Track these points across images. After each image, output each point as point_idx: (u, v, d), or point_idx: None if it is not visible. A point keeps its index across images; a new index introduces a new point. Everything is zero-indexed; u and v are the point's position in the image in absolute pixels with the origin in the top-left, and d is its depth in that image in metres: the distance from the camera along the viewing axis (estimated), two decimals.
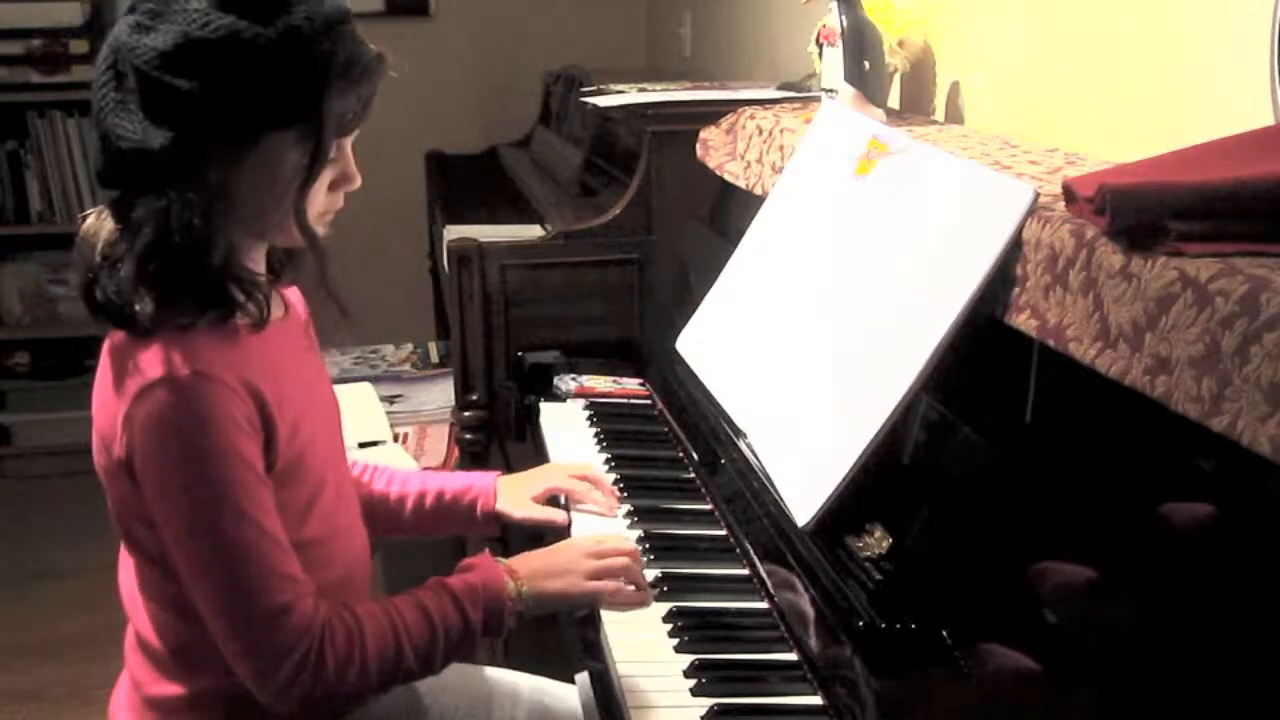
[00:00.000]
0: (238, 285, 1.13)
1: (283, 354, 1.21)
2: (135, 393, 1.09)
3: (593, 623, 1.26)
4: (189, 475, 1.08)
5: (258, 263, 1.20)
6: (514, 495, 1.48)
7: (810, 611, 1.14)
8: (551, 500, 1.50)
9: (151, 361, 1.09)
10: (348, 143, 1.17)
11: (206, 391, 1.08)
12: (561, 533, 1.44)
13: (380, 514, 1.45)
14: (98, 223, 1.15)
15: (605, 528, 1.43)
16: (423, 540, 1.55)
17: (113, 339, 1.15)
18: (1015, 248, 1.08)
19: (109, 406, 1.13)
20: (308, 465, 1.20)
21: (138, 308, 1.09)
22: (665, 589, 1.29)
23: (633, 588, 1.27)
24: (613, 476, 1.56)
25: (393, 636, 1.16)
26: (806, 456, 1.25)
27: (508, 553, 1.32)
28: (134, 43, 1.07)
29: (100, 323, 1.14)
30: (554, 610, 1.30)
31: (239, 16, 1.05)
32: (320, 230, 1.19)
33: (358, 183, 1.19)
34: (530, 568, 1.26)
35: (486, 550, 1.30)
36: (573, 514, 1.47)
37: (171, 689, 1.21)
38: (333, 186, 1.17)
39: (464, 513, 1.47)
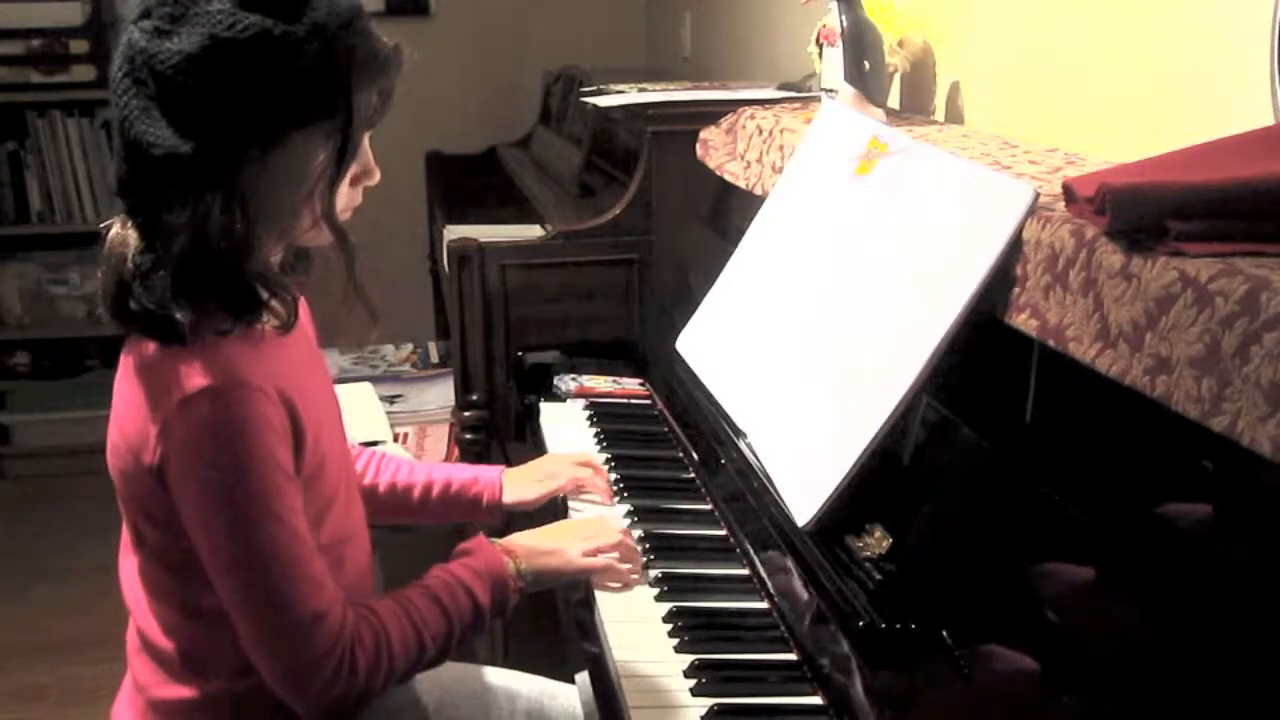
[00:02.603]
0: (267, 288, 1.13)
1: (300, 359, 1.22)
2: (175, 404, 1.08)
3: (590, 611, 1.27)
4: (231, 486, 1.09)
5: (278, 265, 1.20)
6: (521, 485, 1.52)
7: (810, 612, 1.14)
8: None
9: (189, 373, 1.09)
10: (365, 138, 1.17)
11: (246, 399, 1.08)
12: (558, 513, 1.49)
13: (386, 502, 1.48)
14: (124, 232, 1.13)
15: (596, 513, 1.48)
16: (421, 538, 1.56)
17: (140, 349, 1.14)
18: (1015, 248, 1.08)
19: (139, 416, 1.12)
20: (327, 470, 1.21)
21: (178, 316, 1.08)
22: (665, 589, 1.29)
23: (627, 565, 1.30)
24: (613, 476, 1.56)
25: (413, 631, 1.18)
26: (806, 456, 1.25)
27: (506, 535, 1.35)
28: (155, 48, 1.05)
29: (134, 333, 1.13)
30: (551, 585, 1.32)
31: (265, 15, 1.04)
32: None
33: (377, 177, 1.20)
34: (526, 546, 1.30)
35: (482, 534, 1.32)
36: (571, 503, 1.51)
37: (178, 692, 1.21)
38: (353, 182, 1.18)
39: (469, 503, 1.51)
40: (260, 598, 1.11)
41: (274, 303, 1.14)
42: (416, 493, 1.49)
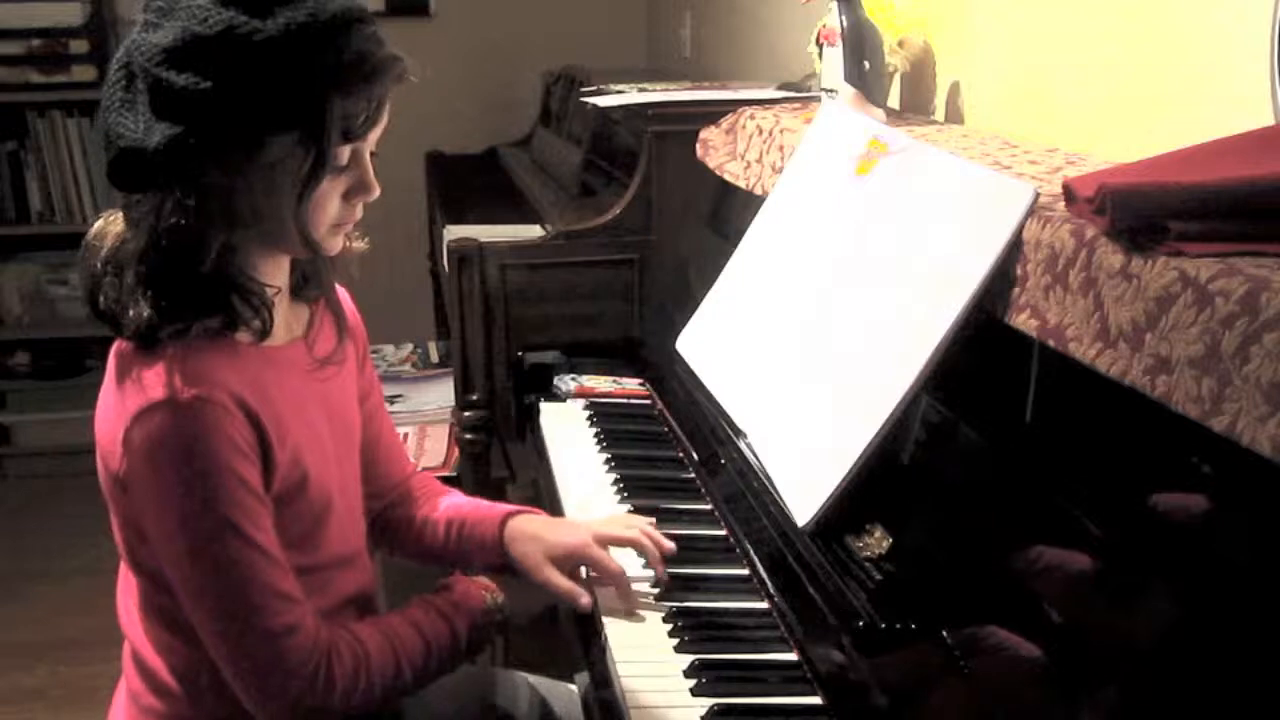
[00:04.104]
0: (239, 295, 1.10)
1: (291, 372, 1.18)
2: (134, 413, 1.07)
3: (592, 621, 1.27)
4: (188, 498, 1.07)
5: (272, 275, 1.15)
6: (534, 552, 1.31)
7: (810, 611, 1.14)
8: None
9: (152, 381, 1.07)
10: (365, 150, 1.12)
11: (203, 414, 1.06)
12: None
13: (411, 539, 1.40)
14: (105, 226, 1.13)
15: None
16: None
17: (119, 347, 1.13)
18: (1015, 248, 1.07)
19: (109, 421, 1.11)
20: (313, 488, 1.18)
21: (132, 313, 1.07)
22: (665, 589, 1.28)
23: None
24: (613, 476, 1.56)
25: (392, 655, 1.17)
26: (806, 456, 1.25)
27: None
28: (141, 41, 1.05)
29: (108, 328, 1.13)
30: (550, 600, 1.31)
31: (239, 11, 1.02)
32: (335, 242, 1.15)
33: (376, 193, 1.14)
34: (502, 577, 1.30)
35: (458, 572, 1.32)
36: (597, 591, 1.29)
37: (166, 706, 1.20)
38: (348, 196, 1.13)
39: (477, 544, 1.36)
40: (227, 613, 1.09)
41: (248, 312, 1.11)
42: (440, 530, 1.37)
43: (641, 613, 1.25)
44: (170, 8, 1.05)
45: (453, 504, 1.40)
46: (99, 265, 1.11)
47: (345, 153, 1.10)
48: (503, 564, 1.33)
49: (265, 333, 1.13)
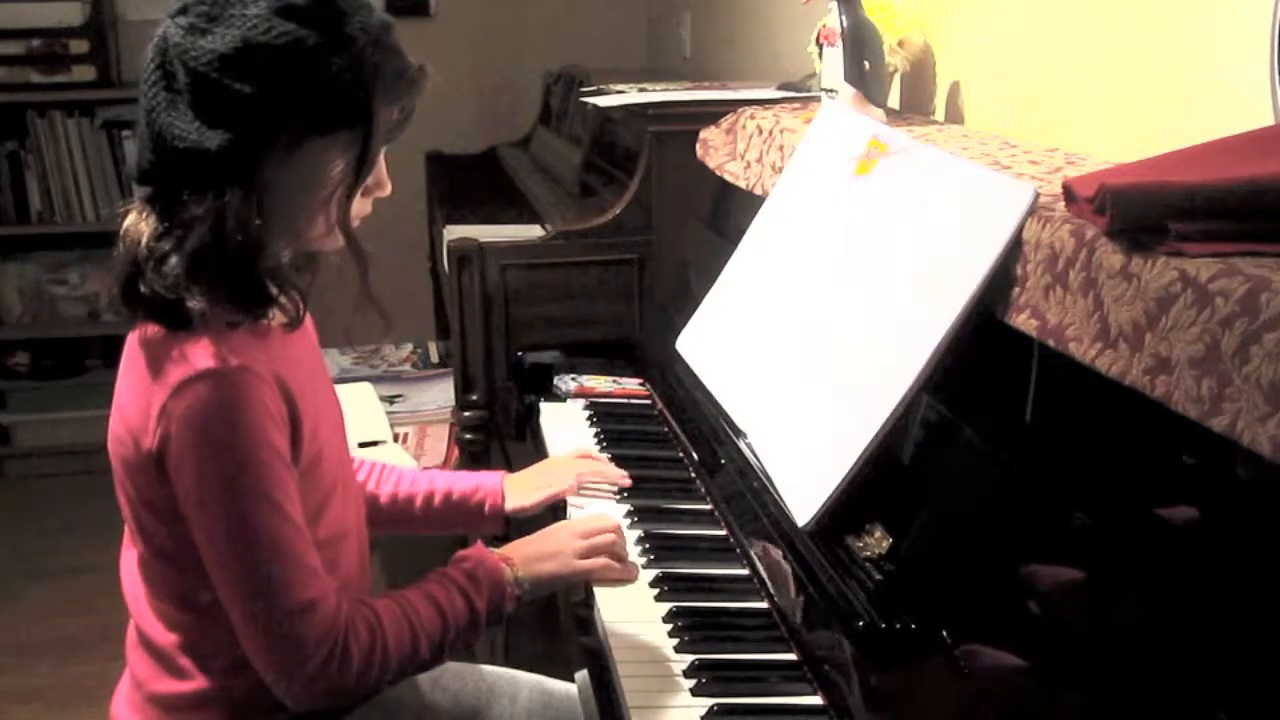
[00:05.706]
0: (278, 285, 1.16)
1: (301, 355, 1.23)
2: (175, 385, 1.10)
3: (590, 611, 1.27)
4: (227, 467, 1.10)
5: (298, 268, 1.22)
6: (523, 492, 1.52)
7: (810, 612, 1.14)
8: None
9: (191, 355, 1.10)
10: (381, 150, 1.19)
11: (245, 384, 1.10)
12: (557, 514, 1.50)
13: (387, 513, 1.48)
14: (139, 219, 1.15)
15: (600, 509, 1.48)
16: (422, 538, 1.57)
17: (143, 334, 1.16)
18: (1015, 248, 1.08)
19: (140, 399, 1.13)
20: (324, 465, 1.22)
21: (191, 305, 1.10)
22: (665, 589, 1.29)
23: (619, 564, 1.32)
24: None
25: (408, 629, 1.19)
26: (806, 456, 1.25)
27: (504, 544, 1.35)
28: (188, 45, 1.08)
29: (139, 316, 1.15)
30: (549, 591, 1.33)
31: (300, 25, 1.08)
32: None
33: (388, 189, 1.22)
34: (523, 554, 1.31)
35: (479, 542, 1.32)
36: (573, 499, 1.52)
37: (175, 686, 1.21)
38: (364, 192, 1.20)
39: (473, 511, 1.51)
40: (254, 583, 1.11)
41: (283, 299, 1.16)
42: (418, 502, 1.50)
43: (641, 613, 1.25)
44: (218, 14, 1.09)
45: (417, 476, 1.52)
46: (142, 254, 1.12)
47: (380, 153, 1.17)
48: (486, 527, 1.50)
49: (298, 321, 1.19)
